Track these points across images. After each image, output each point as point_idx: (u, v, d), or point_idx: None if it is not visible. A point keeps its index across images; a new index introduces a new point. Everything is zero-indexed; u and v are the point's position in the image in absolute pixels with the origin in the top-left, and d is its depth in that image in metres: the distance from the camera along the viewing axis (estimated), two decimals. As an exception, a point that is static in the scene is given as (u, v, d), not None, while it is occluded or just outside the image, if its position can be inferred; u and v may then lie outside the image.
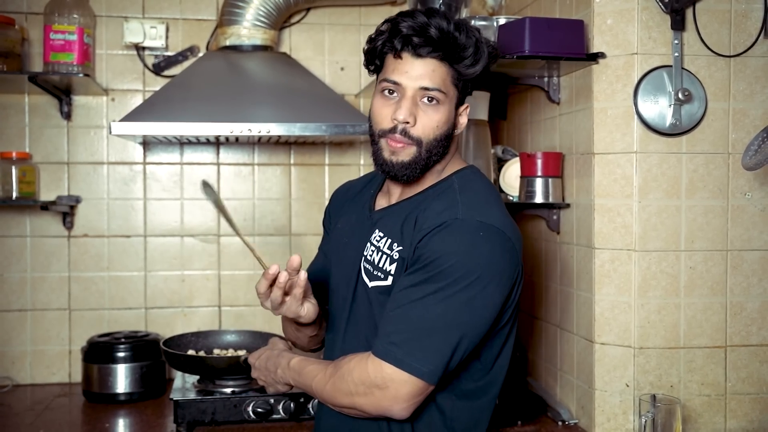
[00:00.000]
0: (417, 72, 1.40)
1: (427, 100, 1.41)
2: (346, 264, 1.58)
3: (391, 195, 1.56)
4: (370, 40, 1.48)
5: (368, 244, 1.52)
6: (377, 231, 1.52)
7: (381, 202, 1.59)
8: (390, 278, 1.45)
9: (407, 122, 1.41)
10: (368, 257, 1.51)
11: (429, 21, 1.38)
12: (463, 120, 1.51)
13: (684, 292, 1.87)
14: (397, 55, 1.42)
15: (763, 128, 1.77)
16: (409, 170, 1.44)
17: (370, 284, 1.49)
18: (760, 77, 1.88)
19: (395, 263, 1.44)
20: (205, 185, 1.66)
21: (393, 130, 1.42)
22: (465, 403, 1.46)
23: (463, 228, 1.38)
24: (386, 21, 1.45)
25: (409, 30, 1.39)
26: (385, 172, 1.47)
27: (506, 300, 1.42)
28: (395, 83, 1.42)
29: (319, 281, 1.70)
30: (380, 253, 1.48)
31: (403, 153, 1.43)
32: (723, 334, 1.89)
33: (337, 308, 1.60)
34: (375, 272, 1.48)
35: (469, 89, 1.50)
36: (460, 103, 1.48)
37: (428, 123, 1.42)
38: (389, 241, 1.48)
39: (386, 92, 1.44)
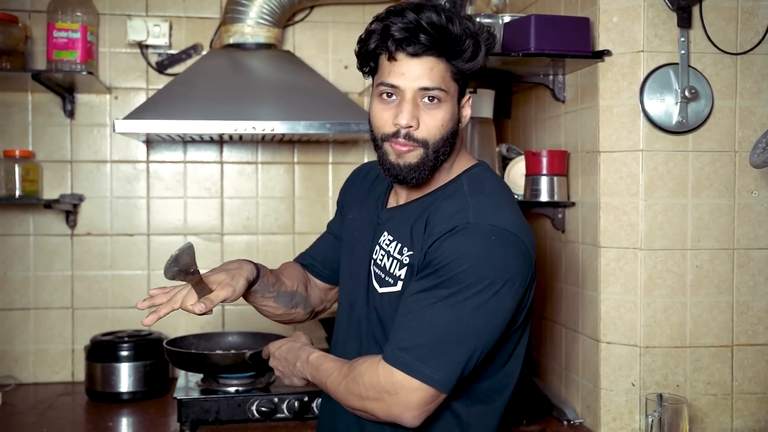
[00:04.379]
0: (414, 72, 1.35)
1: (428, 99, 1.36)
2: (354, 262, 1.56)
3: (399, 195, 1.52)
4: (361, 42, 1.42)
5: (377, 247, 1.49)
6: (386, 233, 1.49)
7: (391, 201, 1.56)
8: (400, 283, 1.42)
9: (410, 126, 1.36)
10: (378, 262, 1.48)
11: (419, 18, 1.32)
12: (466, 112, 1.46)
13: (690, 291, 1.86)
14: (392, 58, 1.36)
15: (770, 126, 1.77)
16: (417, 172, 1.40)
17: (380, 290, 1.46)
18: (767, 75, 1.87)
19: (405, 268, 1.42)
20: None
21: (396, 134, 1.38)
22: (480, 408, 1.44)
23: (475, 232, 1.34)
24: (375, 20, 1.39)
25: (401, 31, 1.33)
26: (393, 176, 1.42)
27: (519, 303, 1.39)
28: (393, 86, 1.37)
29: (329, 260, 1.71)
30: (390, 258, 1.45)
31: (409, 155, 1.39)
32: (729, 333, 1.87)
33: (342, 306, 1.59)
34: (386, 278, 1.45)
35: (469, 79, 1.45)
36: (461, 95, 1.44)
37: (432, 123, 1.37)
38: (399, 245, 1.44)
39: (384, 96, 1.39)
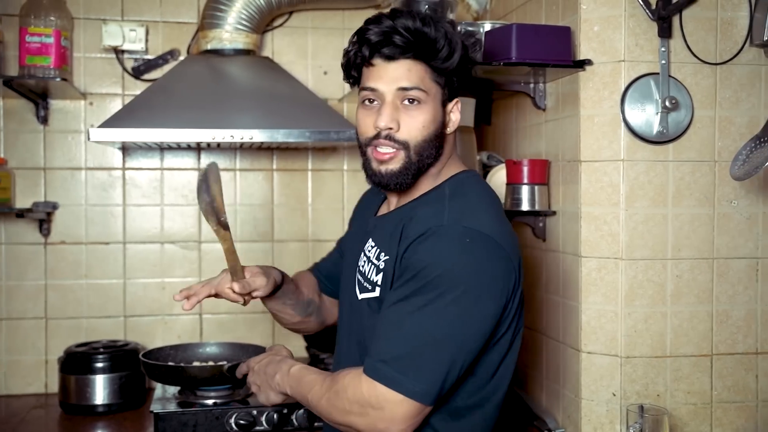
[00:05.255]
0: (392, 75, 1.38)
1: (408, 101, 1.38)
2: (347, 272, 1.57)
3: (390, 203, 1.53)
4: (345, 54, 1.47)
5: (362, 254, 1.50)
6: (370, 240, 1.49)
7: (383, 209, 1.57)
8: (377, 289, 1.42)
9: (390, 128, 1.38)
10: (361, 268, 1.48)
11: (395, 23, 1.36)
12: (454, 117, 1.47)
13: (671, 301, 1.86)
14: (370, 63, 1.40)
15: (750, 138, 1.77)
16: (400, 178, 1.41)
17: (360, 296, 1.46)
18: (746, 85, 1.88)
19: (381, 273, 1.41)
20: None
21: (377, 136, 1.39)
22: (458, 423, 1.42)
23: (448, 235, 1.33)
24: (356, 32, 1.44)
25: (377, 36, 1.37)
26: (376, 183, 1.44)
27: (502, 310, 1.37)
28: (372, 90, 1.40)
29: (333, 276, 1.75)
30: (370, 264, 1.45)
31: (392, 161, 1.40)
32: (709, 343, 1.88)
33: (339, 317, 1.60)
34: (365, 284, 1.45)
35: (456, 84, 1.45)
36: (448, 100, 1.44)
37: (413, 124, 1.39)
38: (378, 250, 1.44)
39: (366, 102, 1.42)
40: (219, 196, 1.54)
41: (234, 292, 1.58)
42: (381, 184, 1.43)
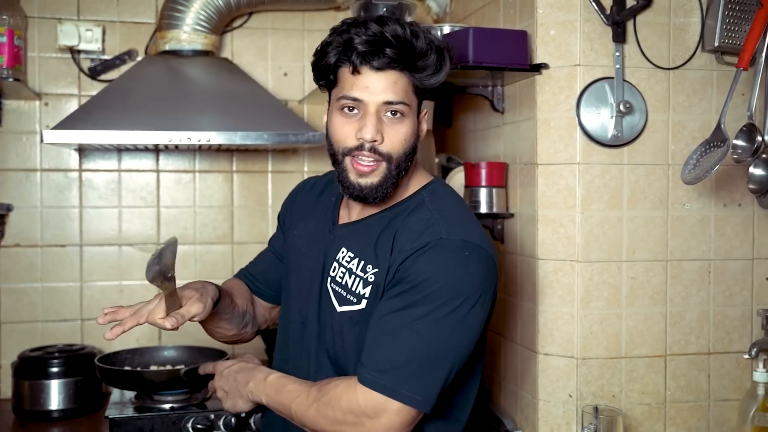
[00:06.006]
0: (378, 86, 1.33)
1: (391, 113, 1.35)
2: (304, 277, 1.51)
3: (351, 208, 1.49)
4: (319, 54, 1.39)
5: (334, 264, 1.45)
6: (344, 250, 1.45)
7: (342, 215, 1.52)
8: (364, 302, 1.39)
9: (375, 140, 1.34)
10: (338, 279, 1.44)
11: (384, 30, 1.31)
12: (423, 126, 1.46)
13: (625, 303, 1.88)
14: (355, 71, 1.34)
15: (701, 142, 1.80)
16: (379, 191, 1.38)
17: (339, 308, 1.42)
18: (698, 90, 1.91)
19: (370, 286, 1.38)
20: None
21: (359, 147, 1.35)
22: (445, 424, 1.43)
23: (449, 248, 1.33)
24: (334, 32, 1.37)
25: (365, 44, 1.31)
26: (353, 195, 1.39)
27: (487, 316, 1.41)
28: (356, 99, 1.35)
29: (271, 280, 1.67)
30: (352, 276, 1.41)
31: (372, 174, 1.37)
32: (663, 344, 1.91)
33: (294, 324, 1.54)
34: (347, 296, 1.41)
35: (427, 92, 1.45)
36: (419, 109, 1.43)
37: (396, 138, 1.36)
38: (362, 262, 1.41)
39: (346, 109, 1.36)
40: (171, 262, 1.39)
41: (167, 328, 1.38)
42: (359, 197, 1.39)
